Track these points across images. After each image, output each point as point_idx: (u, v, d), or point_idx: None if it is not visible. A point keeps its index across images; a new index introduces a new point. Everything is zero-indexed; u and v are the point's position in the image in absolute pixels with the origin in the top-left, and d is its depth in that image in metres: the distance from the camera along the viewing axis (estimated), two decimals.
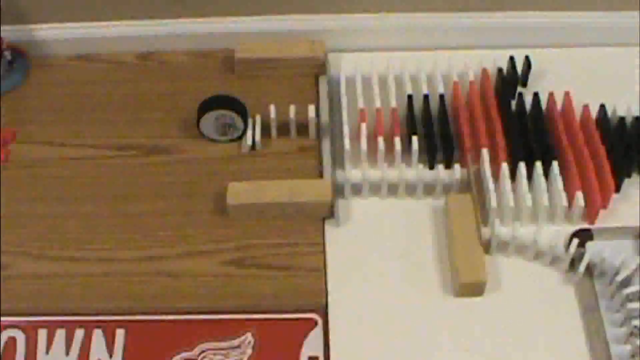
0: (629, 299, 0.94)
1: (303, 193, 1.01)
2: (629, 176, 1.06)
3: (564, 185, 1.02)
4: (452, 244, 0.98)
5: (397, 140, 1.05)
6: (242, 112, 1.06)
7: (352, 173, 1.05)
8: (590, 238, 1.00)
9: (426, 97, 1.10)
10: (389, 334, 0.95)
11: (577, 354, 0.93)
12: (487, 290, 0.97)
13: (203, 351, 0.94)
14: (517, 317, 0.95)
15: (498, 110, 1.09)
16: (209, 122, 1.06)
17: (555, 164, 1.03)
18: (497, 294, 0.97)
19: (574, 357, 0.93)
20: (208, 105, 1.05)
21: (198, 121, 1.06)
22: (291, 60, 1.13)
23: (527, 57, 1.13)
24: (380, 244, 1.01)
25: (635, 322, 0.92)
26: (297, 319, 0.96)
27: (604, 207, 1.03)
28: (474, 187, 1.03)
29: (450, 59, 1.14)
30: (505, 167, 1.03)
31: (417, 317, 0.96)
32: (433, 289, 0.97)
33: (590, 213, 1.02)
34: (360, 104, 1.09)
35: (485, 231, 1.00)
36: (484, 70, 1.13)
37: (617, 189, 1.04)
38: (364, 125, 1.06)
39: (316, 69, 1.14)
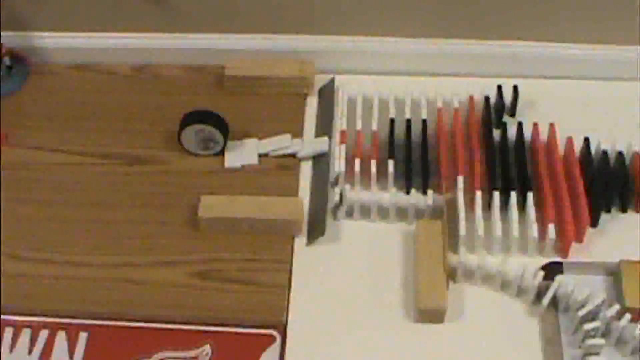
0: (590, 334, 0.93)
1: (273, 210, 1.02)
2: (609, 211, 1.05)
3: (539, 217, 1.02)
4: (417, 269, 0.98)
5: (373, 163, 1.05)
6: (222, 128, 1.07)
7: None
8: (560, 272, 0.99)
9: (408, 121, 1.10)
10: (344, 355, 0.94)
11: None
12: (449, 318, 0.96)
13: (161, 359, 0.96)
14: (476, 347, 0.94)
15: (479, 139, 1.08)
16: (190, 135, 1.07)
17: (530, 195, 1.03)
18: (459, 322, 0.96)
19: None
20: (188, 120, 1.07)
21: (179, 134, 1.08)
22: (279, 79, 1.14)
23: (515, 87, 1.12)
24: (348, 265, 1.01)
25: (592, 359, 0.91)
26: (255, 334, 0.96)
27: (580, 241, 1.02)
28: (445, 213, 1.03)
29: (438, 85, 1.14)
30: (479, 195, 1.03)
31: (374, 340, 0.95)
32: (394, 313, 0.97)
33: (563, 246, 1.01)
34: (342, 125, 1.10)
35: (455, 258, 1.00)
36: (471, 98, 1.13)
37: (594, 224, 1.03)
38: (343, 147, 1.07)
39: (304, 89, 1.15)
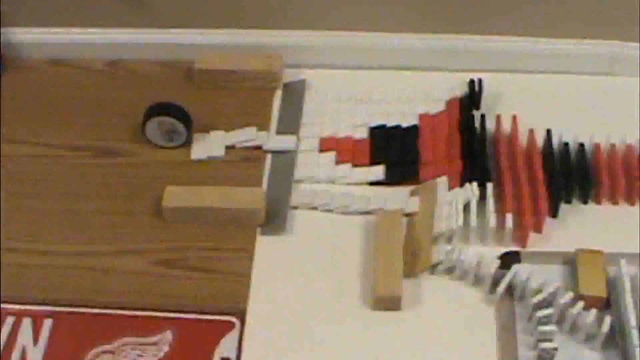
0: (543, 321, 0.94)
1: (234, 200, 1.03)
2: (569, 202, 1.06)
3: (499, 207, 1.03)
4: (375, 258, 0.99)
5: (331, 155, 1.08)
6: (184, 119, 1.09)
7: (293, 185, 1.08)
8: (517, 261, 1.00)
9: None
10: (302, 341, 0.96)
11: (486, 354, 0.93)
12: (407, 306, 0.97)
13: (122, 345, 0.97)
14: (432, 333, 0.96)
15: (449, 133, 1.10)
16: (153, 128, 1.09)
17: (490, 185, 1.04)
18: (416, 309, 0.97)
19: None
20: (150, 112, 1.09)
21: (142, 127, 1.10)
22: (248, 73, 1.16)
23: (479, 80, 1.14)
24: (309, 255, 1.02)
25: (544, 345, 0.92)
26: (215, 321, 0.98)
27: (539, 231, 1.03)
28: (425, 205, 1.04)
29: (410, 80, 1.17)
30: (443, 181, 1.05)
31: (332, 327, 0.96)
32: (353, 302, 0.98)
33: (521, 236, 1.02)
34: (314, 119, 1.12)
35: (417, 250, 1.02)
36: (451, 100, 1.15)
37: (554, 214, 1.04)
38: (312, 140, 1.10)
39: (272, 83, 1.17)
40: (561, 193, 1.04)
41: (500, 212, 1.02)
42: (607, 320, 0.93)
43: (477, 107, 1.14)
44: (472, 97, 1.14)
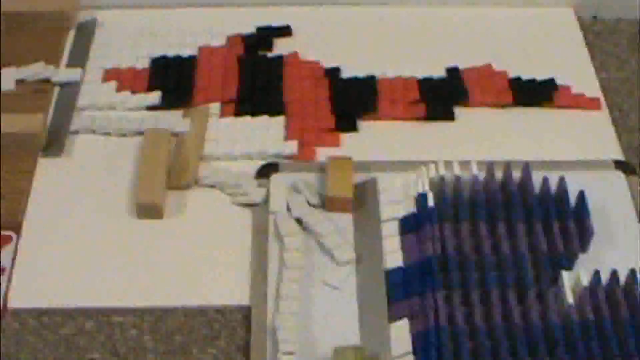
0: (289, 226, 1.02)
1: (17, 125, 1.10)
2: (353, 126, 1.14)
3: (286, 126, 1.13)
4: (139, 170, 1.07)
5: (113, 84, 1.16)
6: None
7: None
8: (276, 170, 1.08)
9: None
10: (72, 250, 1.02)
11: (241, 272, 1.00)
12: (171, 214, 1.05)
13: None
14: (192, 240, 1.03)
15: (239, 67, 1.19)
16: None
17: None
18: (179, 218, 1.05)
19: (238, 276, 1.00)
20: None
21: None
22: (42, 14, 1.23)
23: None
24: (86, 174, 1.09)
25: (289, 243, 1.01)
26: None
27: (324, 145, 1.12)
28: (196, 127, 1.13)
29: (193, 15, 1.26)
30: (216, 107, 1.14)
31: (100, 236, 1.03)
32: (121, 212, 1.05)
33: (305, 153, 1.11)
34: (101, 53, 1.21)
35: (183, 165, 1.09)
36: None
37: (342, 130, 1.13)
38: (97, 72, 1.18)
39: (66, 23, 1.24)
40: (344, 115, 1.14)
41: (287, 139, 1.11)
42: (349, 218, 1.03)
43: (264, 44, 1.23)
44: (260, 34, 1.23)
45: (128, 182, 1.08)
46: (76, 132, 1.12)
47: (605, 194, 1.07)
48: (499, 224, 1.00)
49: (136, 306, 0.97)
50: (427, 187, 1.03)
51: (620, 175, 1.10)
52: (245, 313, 0.97)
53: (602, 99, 1.20)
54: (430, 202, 1.01)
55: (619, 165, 1.11)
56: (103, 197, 1.07)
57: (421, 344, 0.91)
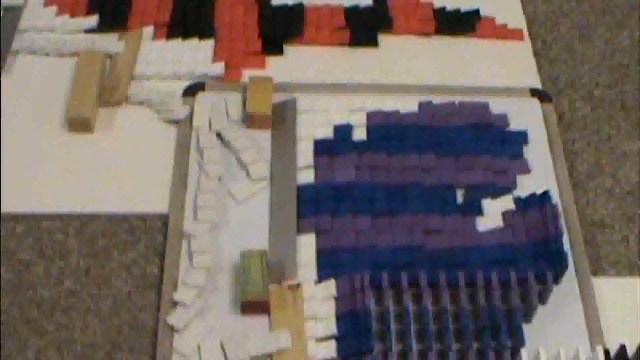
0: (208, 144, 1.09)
1: None
2: (280, 50, 1.20)
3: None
4: (71, 86, 1.13)
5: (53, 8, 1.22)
6: None
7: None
8: (202, 89, 1.14)
9: None
10: (7, 159, 1.08)
11: (163, 183, 1.06)
12: (101, 129, 1.11)
13: None
14: (120, 153, 1.09)
15: None
16: None
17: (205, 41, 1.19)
18: (108, 132, 1.11)
19: (160, 187, 1.06)
20: None
21: None
22: None
23: None
24: (23, 92, 1.15)
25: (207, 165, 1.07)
26: None
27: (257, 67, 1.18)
28: (129, 48, 1.18)
29: None
30: (150, 30, 1.20)
31: (34, 149, 1.09)
32: (55, 127, 1.11)
33: (232, 74, 1.16)
34: None
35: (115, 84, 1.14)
36: None
37: (267, 53, 1.19)
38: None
39: None
40: (271, 39, 1.20)
41: (215, 60, 1.17)
42: (268, 135, 1.09)
43: None
44: None
45: (64, 99, 1.14)
46: (17, 52, 1.19)
47: (521, 119, 1.14)
48: (414, 155, 1.07)
49: (63, 212, 1.05)
50: (348, 117, 1.10)
51: (536, 103, 1.17)
52: (165, 220, 1.04)
53: (526, 30, 1.26)
54: (349, 132, 1.08)
55: (535, 93, 1.18)
56: (39, 112, 1.13)
57: (326, 259, 0.99)
